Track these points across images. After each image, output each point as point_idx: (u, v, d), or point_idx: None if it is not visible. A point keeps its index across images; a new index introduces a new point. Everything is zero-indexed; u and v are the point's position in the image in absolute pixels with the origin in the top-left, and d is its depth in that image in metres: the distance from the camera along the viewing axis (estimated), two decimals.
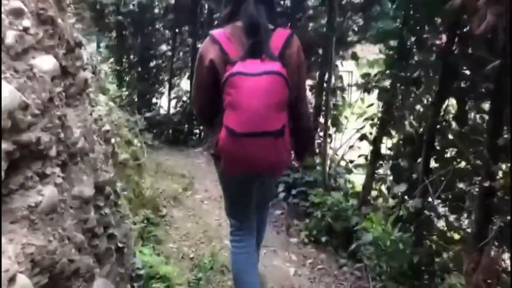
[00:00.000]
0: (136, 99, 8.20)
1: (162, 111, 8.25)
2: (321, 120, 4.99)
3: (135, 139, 3.29)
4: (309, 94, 5.81)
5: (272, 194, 2.34)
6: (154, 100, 8.41)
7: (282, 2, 6.17)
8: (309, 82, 6.00)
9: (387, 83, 3.91)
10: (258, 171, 1.85)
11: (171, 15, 7.64)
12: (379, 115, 3.98)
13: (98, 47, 7.76)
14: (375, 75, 4.13)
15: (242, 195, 2.06)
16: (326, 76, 4.96)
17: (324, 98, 4.97)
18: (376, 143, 4.01)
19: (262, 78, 1.67)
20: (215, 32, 1.88)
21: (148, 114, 7.32)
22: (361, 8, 4.71)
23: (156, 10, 8.05)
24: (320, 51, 5.25)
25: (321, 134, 4.95)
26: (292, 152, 2.05)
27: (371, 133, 4.07)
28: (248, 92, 1.66)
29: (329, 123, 4.85)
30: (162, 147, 6.54)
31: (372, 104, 4.15)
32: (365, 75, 4.18)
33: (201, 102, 1.98)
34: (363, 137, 4.17)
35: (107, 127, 2.55)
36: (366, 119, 4.14)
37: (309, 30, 5.57)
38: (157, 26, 8.21)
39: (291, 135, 1.86)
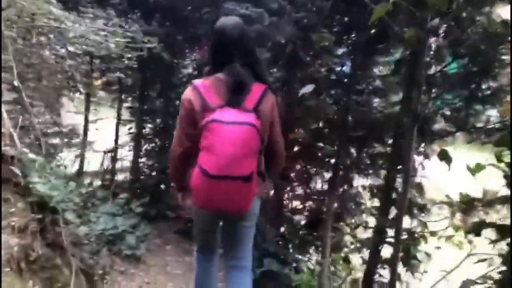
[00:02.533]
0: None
1: None
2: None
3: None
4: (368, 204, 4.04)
5: (245, 245, 2.24)
6: None
7: (338, 69, 4.60)
8: (369, 182, 4.23)
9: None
10: (223, 210, 2.01)
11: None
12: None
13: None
14: (489, 201, 2.31)
15: (206, 227, 2.29)
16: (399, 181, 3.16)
17: (393, 217, 3.12)
18: None
19: (237, 127, 1.84)
20: (197, 81, 2.03)
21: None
22: (461, 82, 2.90)
23: (190, 70, 6.77)
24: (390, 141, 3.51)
25: (386, 274, 3.07)
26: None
27: None
28: (224, 138, 1.83)
29: (399, 259, 2.98)
30: (157, 249, 4.83)
31: (483, 260, 2.25)
32: (468, 203, 2.35)
33: (179, 146, 2.07)
34: None
35: None
36: (476, 282, 2.24)
37: (374, 109, 3.84)
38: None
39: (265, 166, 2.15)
